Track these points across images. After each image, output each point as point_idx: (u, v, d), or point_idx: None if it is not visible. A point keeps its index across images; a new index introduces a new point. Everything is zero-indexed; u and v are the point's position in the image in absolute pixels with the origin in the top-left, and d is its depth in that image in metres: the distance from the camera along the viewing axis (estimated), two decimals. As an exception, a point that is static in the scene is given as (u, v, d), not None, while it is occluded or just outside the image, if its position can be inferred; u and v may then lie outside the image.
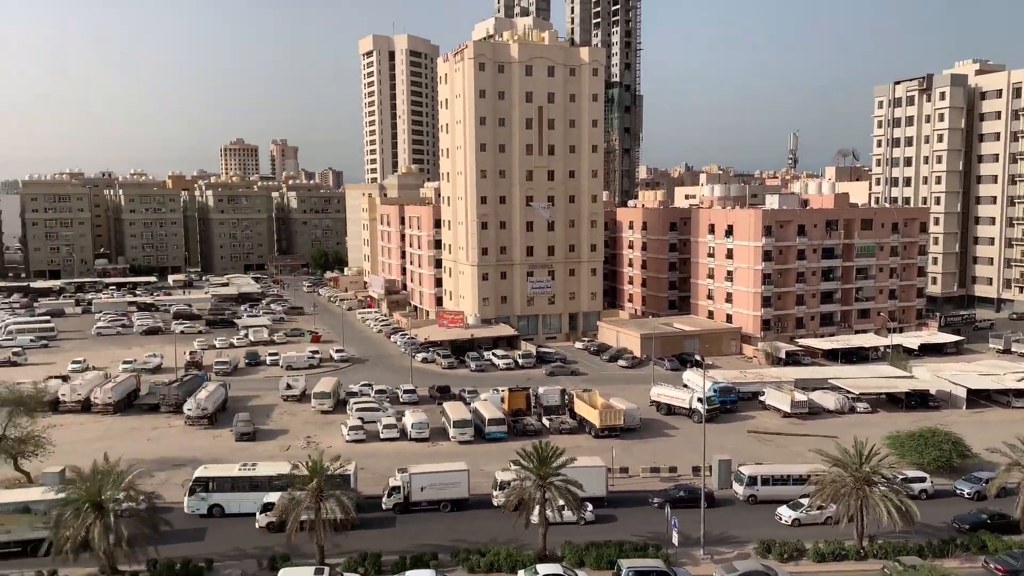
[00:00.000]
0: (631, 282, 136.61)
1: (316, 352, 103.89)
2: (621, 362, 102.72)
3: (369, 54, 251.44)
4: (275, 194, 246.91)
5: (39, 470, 57.50)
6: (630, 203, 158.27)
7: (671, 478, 60.59)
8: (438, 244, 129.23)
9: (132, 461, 53.68)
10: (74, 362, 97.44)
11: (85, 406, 78.13)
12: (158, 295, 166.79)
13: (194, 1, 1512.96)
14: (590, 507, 52.38)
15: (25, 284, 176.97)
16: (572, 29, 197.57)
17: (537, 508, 46.53)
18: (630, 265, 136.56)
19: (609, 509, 54.44)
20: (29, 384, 69.59)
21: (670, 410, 78.53)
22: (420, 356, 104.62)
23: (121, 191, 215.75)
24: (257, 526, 51.22)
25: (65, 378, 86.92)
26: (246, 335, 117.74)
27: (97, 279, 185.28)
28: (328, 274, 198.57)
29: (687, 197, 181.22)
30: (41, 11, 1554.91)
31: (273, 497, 50.99)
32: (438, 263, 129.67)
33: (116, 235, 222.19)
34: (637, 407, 74.90)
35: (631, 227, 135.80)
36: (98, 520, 42.47)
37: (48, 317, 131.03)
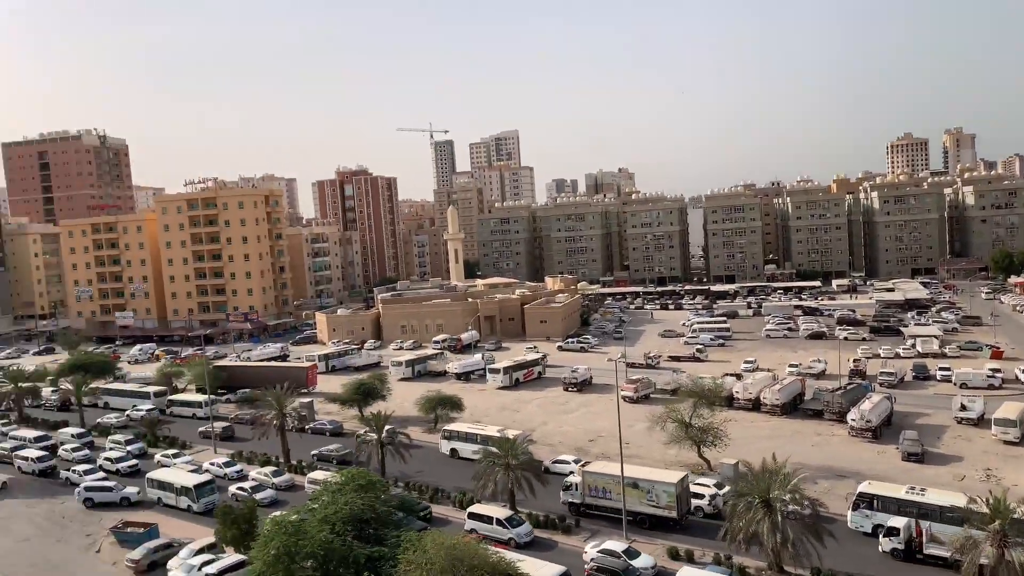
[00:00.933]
0: None
1: (997, 371, 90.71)
2: None
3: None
4: (947, 190, 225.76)
5: (717, 459, 64.19)
6: None
7: None
8: None
9: (797, 464, 55.34)
10: (746, 362, 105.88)
11: (755, 404, 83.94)
12: (822, 300, 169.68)
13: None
14: None
15: (705, 288, 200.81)
16: None
17: None
18: None
19: None
20: (709, 379, 78.08)
21: None
22: None
23: (788, 199, 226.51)
24: (880, 550, 47.59)
25: (738, 376, 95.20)
26: (913, 345, 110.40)
27: (766, 283, 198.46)
28: (1013, 279, 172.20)
29: None
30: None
31: (897, 522, 47.87)
32: None
33: (783, 241, 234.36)
34: None
35: None
36: (766, 517, 45.03)
37: (724, 318, 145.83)
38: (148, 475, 64.46)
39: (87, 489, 64.05)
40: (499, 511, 53.71)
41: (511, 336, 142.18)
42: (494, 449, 58.05)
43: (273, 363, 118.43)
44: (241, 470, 69.73)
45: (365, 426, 70.16)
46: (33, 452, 75.18)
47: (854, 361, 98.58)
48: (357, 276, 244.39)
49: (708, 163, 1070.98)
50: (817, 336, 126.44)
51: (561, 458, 67.74)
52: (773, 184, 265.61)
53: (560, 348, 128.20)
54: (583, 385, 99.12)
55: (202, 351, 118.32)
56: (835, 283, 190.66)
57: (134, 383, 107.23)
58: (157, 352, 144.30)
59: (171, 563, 49.71)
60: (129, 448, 77.10)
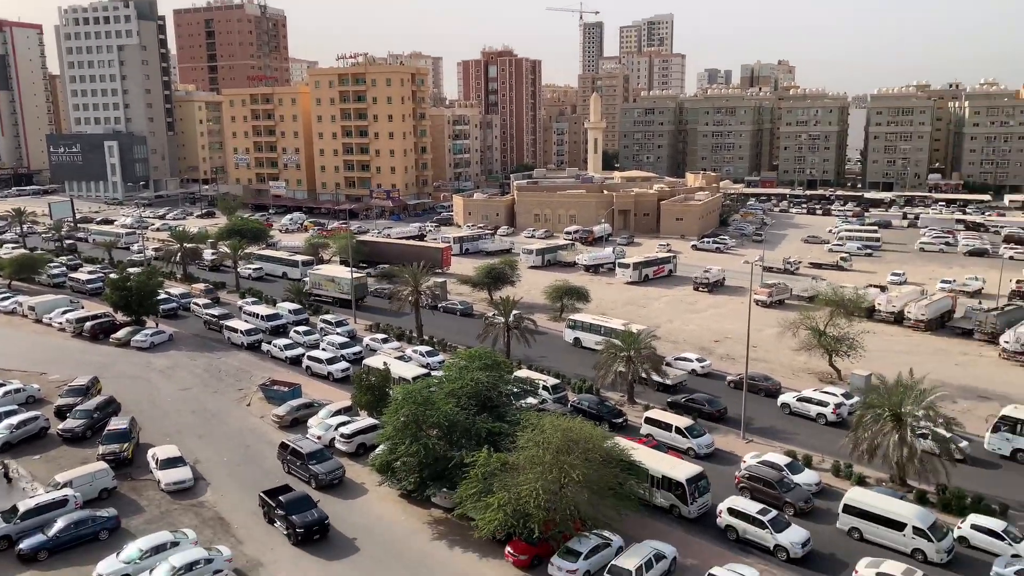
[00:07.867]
0: None
1: None
2: None
3: None
4: None
5: (848, 370, 62.12)
6: None
7: None
8: None
9: (936, 382, 52.53)
10: (893, 274, 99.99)
11: (897, 319, 79.82)
12: (990, 215, 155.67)
13: None
14: None
15: (859, 194, 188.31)
16: None
17: None
18: None
19: None
20: (850, 288, 74.41)
21: None
22: None
23: (966, 103, 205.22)
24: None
25: (883, 288, 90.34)
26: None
27: (926, 194, 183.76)
28: None
29: None
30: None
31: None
32: None
33: (953, 149, 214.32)
34: None
35: None
36: (894, 431, 43.63)
37: (875, 228, 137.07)
38: (366, 361, 62.93)
39: (309, 358, 66.36)
40: (679, 419, 51.58)
41: (645, 232, 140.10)
42: (617, 341, 58.63)
43: (411, 242, 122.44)
44: (443, 361, 63.45)
45: (494, 309, 72.30)
46: (243, 325, 75.38)
47: (1017, 282, 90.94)
48: (495, 161, 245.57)
49: (880, 63, 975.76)
50: (978, 253, 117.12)
51: (684, 355, 67.57)
52: (950, 86, 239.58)
53: (695, 247, 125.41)
54: (714, 286, 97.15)
55: (347, 225, 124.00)
56: (1008, 199, 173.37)
57: (284, 251, 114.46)
58: (305, 223, 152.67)
59: (311, 421, 54.15)
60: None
